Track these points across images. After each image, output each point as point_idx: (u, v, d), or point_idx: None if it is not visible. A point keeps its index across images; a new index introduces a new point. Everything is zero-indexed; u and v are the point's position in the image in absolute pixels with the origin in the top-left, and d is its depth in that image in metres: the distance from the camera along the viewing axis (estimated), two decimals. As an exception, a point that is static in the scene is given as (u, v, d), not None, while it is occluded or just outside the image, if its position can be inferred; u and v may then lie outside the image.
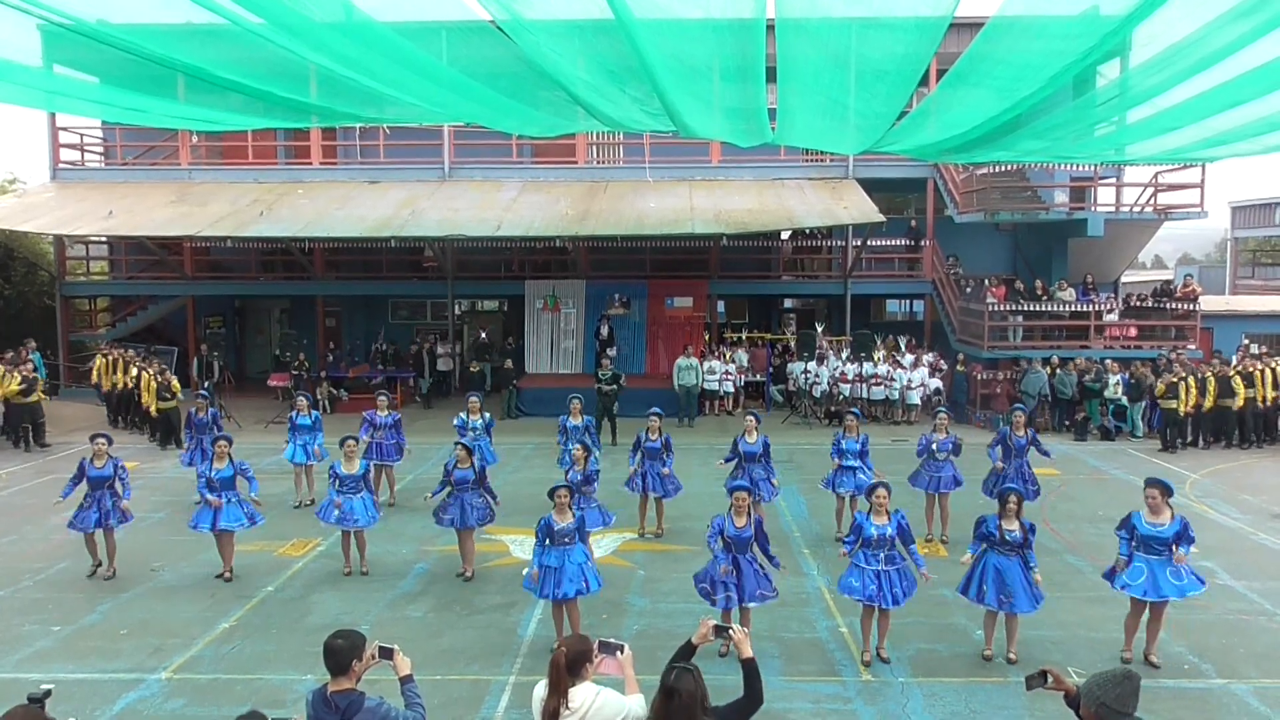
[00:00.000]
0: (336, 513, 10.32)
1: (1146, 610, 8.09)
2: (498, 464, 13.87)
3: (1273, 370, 17.97)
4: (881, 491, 8.22)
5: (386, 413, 13.67)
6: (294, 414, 13.68)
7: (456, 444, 10.41)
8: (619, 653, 4.46)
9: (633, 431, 13.12)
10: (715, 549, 8.11)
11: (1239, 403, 17.70)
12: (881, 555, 8.00)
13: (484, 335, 23.83)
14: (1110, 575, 8.30)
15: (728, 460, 11.95)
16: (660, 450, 11.88)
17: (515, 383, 21.30)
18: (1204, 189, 21.47)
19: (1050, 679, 4.34)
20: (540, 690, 4.45)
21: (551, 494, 8.42)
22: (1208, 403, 17.61)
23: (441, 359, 23.88)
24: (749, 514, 8.13)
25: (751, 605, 8.06)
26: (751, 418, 11.94)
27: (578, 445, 11.06)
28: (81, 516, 10.36)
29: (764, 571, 8.15)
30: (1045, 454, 12.29)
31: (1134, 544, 8.08)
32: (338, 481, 10.44)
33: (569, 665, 4.36)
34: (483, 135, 19.88)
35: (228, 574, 10.38)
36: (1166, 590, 7.91)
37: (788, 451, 17.24)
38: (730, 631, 4.50)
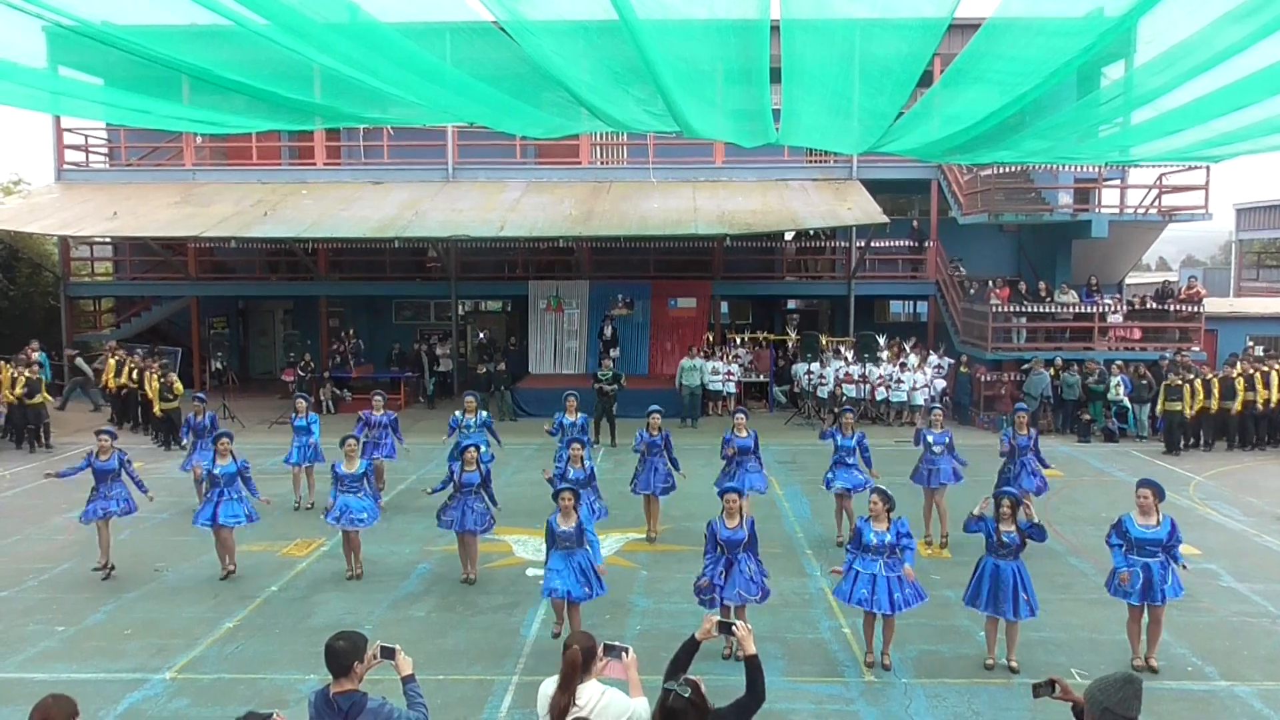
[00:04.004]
0: (336, 512, 10.32)
1: (1145, 613, 8.05)
2: (493, 463, 13.85)
3: (1277, 372, 17.92)
4: (875, 498, 8.14)
5: (381, 412, 13.86)
6: (293, 416, 13.80)
7: (463, 447, 10.38)
8: (624, 655, 4.45)
9: (632, 432, 13.13)
10: (708, 558, 8.15)
11: (1237, 406, 17.68)
12: (879, 561, 7.98)
13: (482, 336, 23.83)
14: (1110, 583, 8.23)
15: (725, 458, 11.94)
16: (660, 446, 11.91)
17: (504, 386, 20.99)
18: (1208, 191, 21.44)
19: (1058, 689, 4.30)
20: (547, 687, 4.45)
21: (556, 496, 8.40)
22: (1214, 405, 17.60)
23: (442, 359, 23.90)
24: (741, 515, 8.16)
25: (730, 603, 8.02)
26: (741, 414, 12.23)
27: (576, 443, 11.05)
28: (91, 509, 10.51)
29: (752, 575, 8.11)
30: (1044, 464, 11.90)
31: (1127, 548, 8.01)
32: (339, 481, 10.45)
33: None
34: (486, 136, 19.88)
35: (231, 568, 10.43)
36: (1159, 595, 7.87)
37: (791, 452, 17.24)
38: (734, 628, 4.45)
